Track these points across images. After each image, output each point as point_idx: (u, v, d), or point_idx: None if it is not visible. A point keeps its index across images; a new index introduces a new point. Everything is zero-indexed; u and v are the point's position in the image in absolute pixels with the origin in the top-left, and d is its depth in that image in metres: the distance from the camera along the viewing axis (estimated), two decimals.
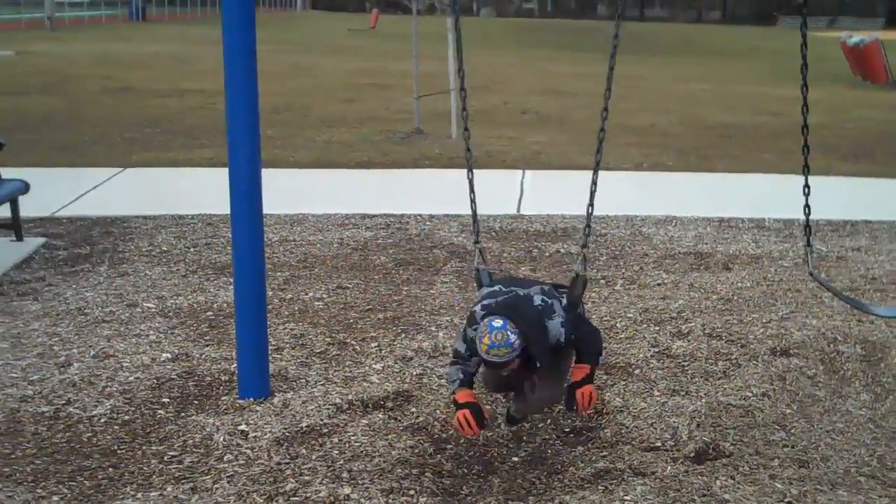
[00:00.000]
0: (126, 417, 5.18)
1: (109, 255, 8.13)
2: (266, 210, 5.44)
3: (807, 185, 5.22)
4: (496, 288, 4.71)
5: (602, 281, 7.64)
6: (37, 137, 13.62)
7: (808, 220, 5.28)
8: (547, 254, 8.36)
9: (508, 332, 4.27)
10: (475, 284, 5.19)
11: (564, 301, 4.68)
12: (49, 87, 18.59)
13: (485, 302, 4.59)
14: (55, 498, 4.36)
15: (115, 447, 4.86)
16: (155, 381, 5.63)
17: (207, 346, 6.19)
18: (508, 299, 4.54)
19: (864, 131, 15.90)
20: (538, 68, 24.09)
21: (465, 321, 4.73)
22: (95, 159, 12.15)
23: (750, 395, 5.53)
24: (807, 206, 5.25)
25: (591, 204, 4.95)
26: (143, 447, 4.86)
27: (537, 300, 4.55)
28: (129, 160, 12.11)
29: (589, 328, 4.75)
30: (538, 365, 4.47)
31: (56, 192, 10.17)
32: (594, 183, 4.95)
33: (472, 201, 5.22)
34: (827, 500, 4.40)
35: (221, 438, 4.91)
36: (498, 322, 4.30)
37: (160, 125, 15.09)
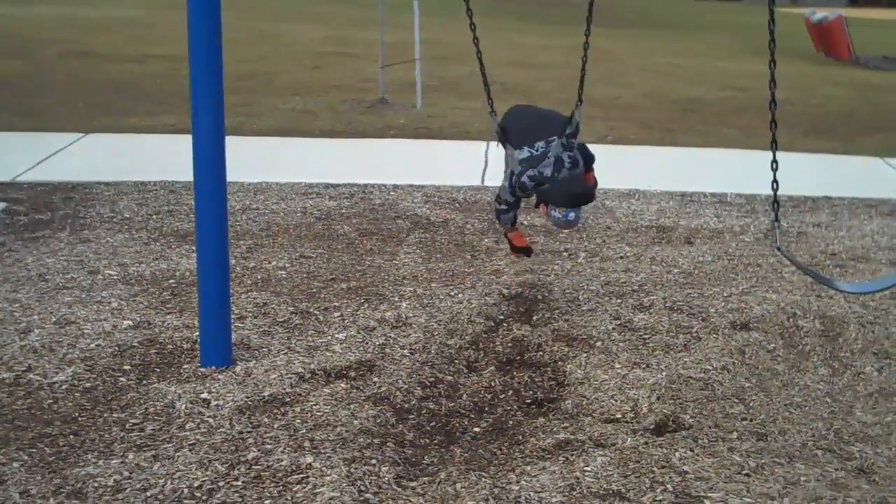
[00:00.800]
0: (87, 385, 5.16)
1: (71, 221, 8.07)
2: (229, 178, 5.42)
3: (775, 160, 5.25)
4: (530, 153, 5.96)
5: (565, 253, 7.67)
6: None
7: (776, 195, 5.31)
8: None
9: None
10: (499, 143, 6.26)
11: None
12: (11, 50, 18.34)
13: (529, 172, 5.90)
14: (15, 465, 4.34)
15: (77, 414, 4.85)
16: (116, 348, 5.61)
17: (169, 313, 6.17)
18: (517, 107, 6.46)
19: (826, 108, 15.99)
20: (505, 39, 24.01)
21: (504, 176, 6.10)
22: (57, 124, 12.03)
23: (710, 368, 5.58)
24: (775, 181, 5.28)
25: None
26: (105, 414, 4.85)
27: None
28: (91, 125, 12.00)
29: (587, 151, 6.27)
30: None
31: (17, 156, 10.07)
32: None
33: (483, 73, 6.59)
34: (784, 473, 4.45)
35: (183, 406, 4.91)
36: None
37: (123, 91, 14.95)
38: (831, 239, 8.33)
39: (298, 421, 4.79)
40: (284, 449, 4.51)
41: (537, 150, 5.91)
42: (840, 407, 5.24)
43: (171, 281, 6.75)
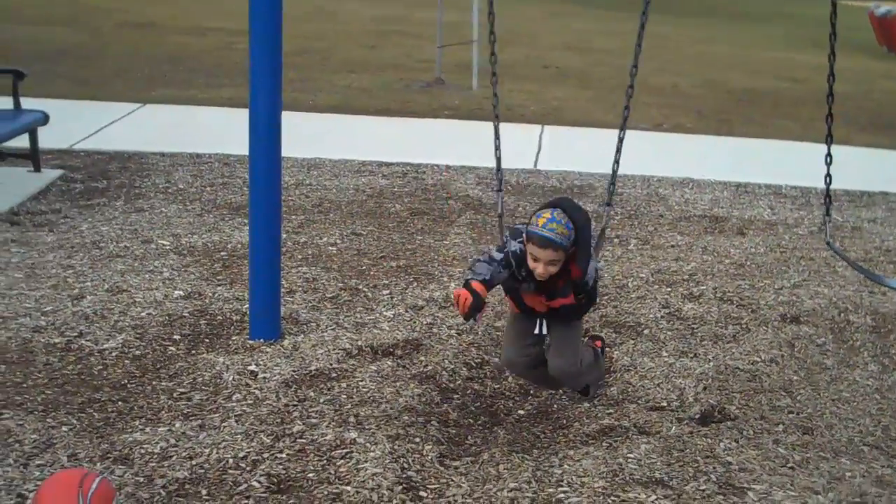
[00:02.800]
0: (137, 352, 5.22)
1: (126, 190, 8.15)
2: (283, 153, 5.44)
3: (829, 155, 5.19)
4: None
5: (616, 240, 7.64)
6: (57, 69, 13.60)
7: (828, 189, 5.26)
8: None
9: (569, 220, 4.29)
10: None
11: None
12: (70, 20, 18.52)
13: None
14: (64, 428, 4.41)
15: (126, 381, 4.90)
16: (167, 317, 5.66)
17: (220, 285, 6.22)
18: (563, 198, 4.53)
19: (886, 103, 15.78)
20: (561, 23, 23.91)
21: (506, 234, 4.60)
22: (115, 94, 12.14)
23: (758, 360, 5.55)
24: (828, 175, 5.23)
25: (616, 161, 5.01)
26: (153, 382, 4.90)
27: (583, 216, 4.48)
28: (148, 96, 12.10)
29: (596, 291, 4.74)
30: (578, 273, 4.40)
31: (75, 125, 10.17)
32: (620, 140, 4.97)
33: (497, 148, 5.13)
34: (829, 468, 4.42)
35: (231, 378, 4.95)
36: (559, 209, 4.33)
37: (181, 63, 15.05)
38: (886, 235, 8.24)
39: (344, 396, 4.82)
40: (329, 423, 4.53)
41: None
42: (889, 404, 5.19)
43: (223, 253, 6.80)
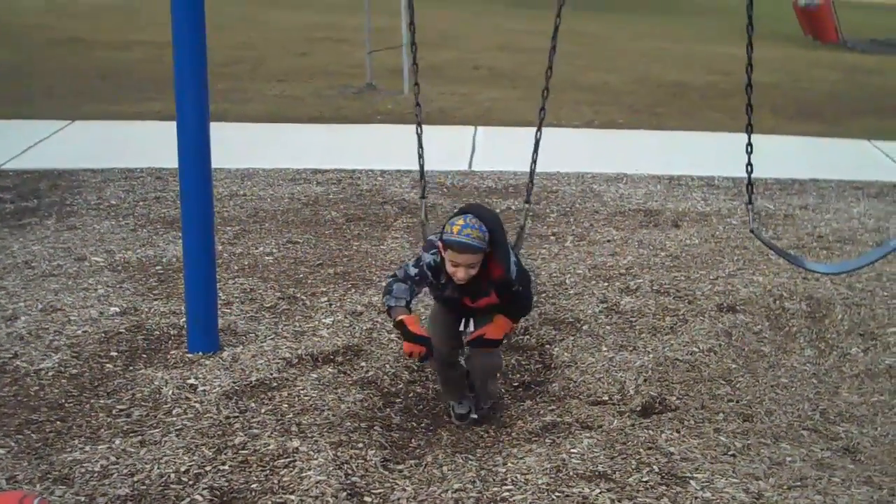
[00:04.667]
0: (74, 371, 5.16)
1: (57, 208, 8.05)
2: (216, 164, 5.41)
3: (749, 144, 5.25)
4: None
5: (552, 237, 7.68)
6: None
7: (749, 177, 5.32)
8: (498, 210, 8.37)
9: (481, 223, 4.36)
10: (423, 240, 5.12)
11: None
12: None
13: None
14: (1, 451, 4.35)
15: (63, 400, 4.84)
16: (103, 334, 5.60)
17: (156, 300, 6.16)
18: (472, 205, 4.63)
19: (814, 91, 15.99)
20: (491, 24, 23.96)
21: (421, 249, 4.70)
22: (43, 111, 11.98)
23: (696, 350, 5.60)
24: (749, 164, 5.28)
25: (534, 161, 5.23)
26: (91, 401, 4.85)
27: (494, 219, 4.57)
28: (77, 113, 11.95)
29: (529, 290, 4.75)
30: (500, 273, 4.43)
31: (2, 144, 10.03)
32: (537, 142, 5.21)
33: (420, 156, 5.27)
34: (770, 454, 4.47)
35: (170, 392, 4.90)
36: (470, 214, 4.40)
37: (110, 77, 14.88)
38: (818, 221, 8.35)
39: (285, 405, 4.80)
40: (271, 433, 4.51)
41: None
42: (826, 388, 5.26)
43: (158, 267, 6.74)
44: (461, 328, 4.72)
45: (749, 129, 5.25)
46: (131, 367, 5.23)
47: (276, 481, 4.13)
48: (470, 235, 4.30)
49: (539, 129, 5.16)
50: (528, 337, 5.81)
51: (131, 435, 4.50)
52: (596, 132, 11.87)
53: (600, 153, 10.68)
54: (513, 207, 8.38)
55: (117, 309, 5.97)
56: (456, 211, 4.56)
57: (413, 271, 4.51)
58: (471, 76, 16.24)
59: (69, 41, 18.41)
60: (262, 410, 4.74)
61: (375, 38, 14.67)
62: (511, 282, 4.50)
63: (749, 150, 5.24)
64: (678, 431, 4.64)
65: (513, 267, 4.50)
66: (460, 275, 4.36)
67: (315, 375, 5.13)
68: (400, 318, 4.42)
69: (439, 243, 4.41)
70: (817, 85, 16.69)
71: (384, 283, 4.78)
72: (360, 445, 4.44)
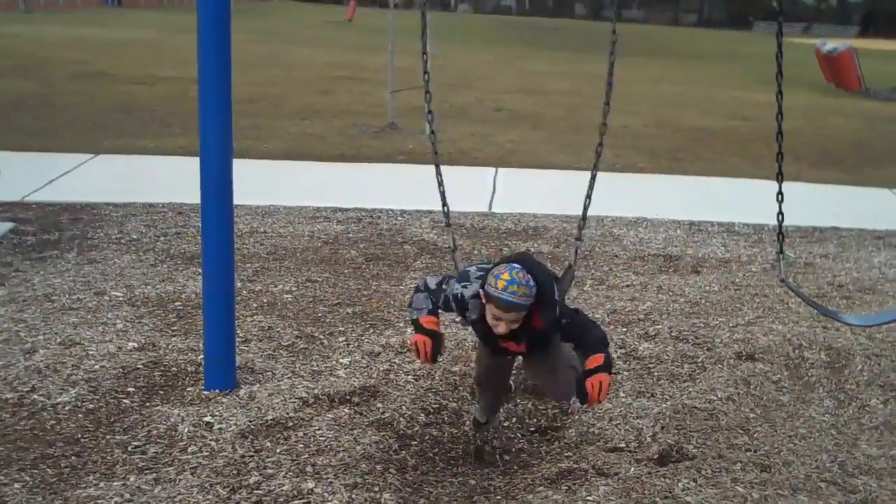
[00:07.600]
0: (90, 406, 5.15)
1: (78, 241, 8.08)
2: (237, 201, 5.42)
3: (780, 193, 5.25)
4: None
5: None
6: (7, 121, 13.52)
7: (780, 226, 5.31)
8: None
9: (529, 278, 4.08)
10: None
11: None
12: (21, 71, 18.45)
13: (480, 265, 4.45)
14: (17, 486, 4.34)
15: (79, 435, 4.84)
16: (121, 370, 5.60)
17: (175, 336, 6.17)
18: (521, 255, 4.41)
19: (836, 139, 15.99)
20: (514, 66, 24.09)
21: (454, 276, 4.48)
22: (66, 145, 12.07)
23: (714, 398, 5.56)
24: (780, 213, 5.27)
25: (588, 196, 5.17)
26: (107, 436, 4.84)
27: (544, 272, 4.37)
28: (100, 147, 12.04)
29: (586, 318, 4.50)
30: (542, 327, 4.24)
31: (26, 176, 10.10)
32: (593, 177, 5.20)
33: (440, 184, 5.20)
34: None
35: (186, 429, 4.90)
36: (517, 266, 4.12)
37: (133, 112, 15.00)
38: (839, 270, 8.32)
39: (301, 446, 4.78)
40: (286, 474, 4.49)
41: None
42: (845, 439, 5.21)
43: (177, 303, 6.75)
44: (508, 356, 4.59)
45: (780, 178, 5.24)
46: (148, 404, 5.22)
47: None
48: (516, 293, 4.03)
49: (595, 167, 5.07)
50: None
51: (146, 472, 4.49)
52: (616, 175, 11.87)
53: (620, 197, 10.68)
54: (532, 249, 8.37)
55: (135, 344, 5.98)
56: (503, 258, 4.36)
57: (433, 284, 4.37)
58: (492, 117, 16.30)
59: (95, 75, 18.59)
60: (278, 450, 4.73)
61: (398, 77, 14.76)
62: (545, 335, 4.32)
63: (780, 198, 5.23)
64: (695, 481, 4.61)
65: (553, 323, 4.27)
66: (501, 329, 4.14)
67: (331, 416, 5.12)
68: (417, 317, 4.30)
69: (481, 292, 4.18)
70: (839, 132, 16.70)
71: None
72: (376, 488, 4.42)
